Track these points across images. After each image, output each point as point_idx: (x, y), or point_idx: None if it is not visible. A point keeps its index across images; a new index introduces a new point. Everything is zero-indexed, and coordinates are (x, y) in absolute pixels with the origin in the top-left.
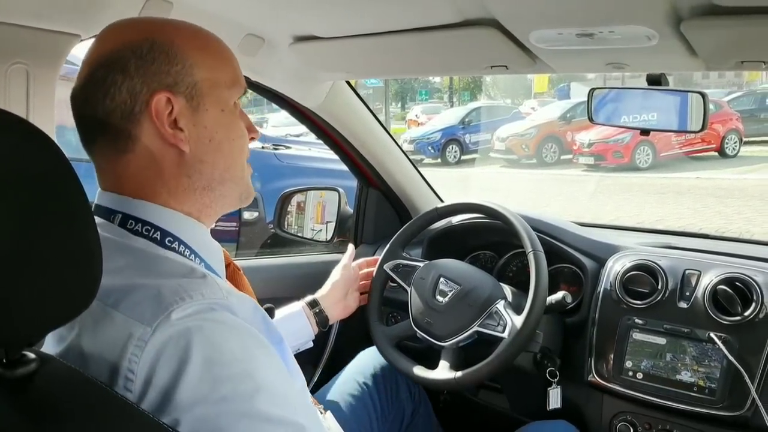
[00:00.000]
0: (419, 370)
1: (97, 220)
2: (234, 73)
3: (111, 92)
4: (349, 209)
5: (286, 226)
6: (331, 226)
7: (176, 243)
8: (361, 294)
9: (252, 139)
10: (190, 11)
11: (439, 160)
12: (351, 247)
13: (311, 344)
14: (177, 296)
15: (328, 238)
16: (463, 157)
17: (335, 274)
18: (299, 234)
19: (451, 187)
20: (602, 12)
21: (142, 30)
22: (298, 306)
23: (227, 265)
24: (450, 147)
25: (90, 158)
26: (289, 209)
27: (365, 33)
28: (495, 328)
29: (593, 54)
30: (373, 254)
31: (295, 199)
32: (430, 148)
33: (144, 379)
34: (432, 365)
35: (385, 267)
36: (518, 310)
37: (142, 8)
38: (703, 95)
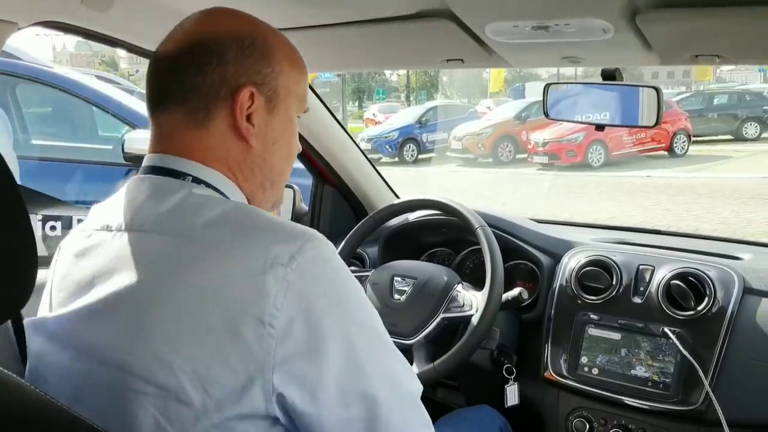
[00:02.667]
0: None
1: (162, 177)
2: (306, 91)
3: (204, 71)
4: (304, 207)
5: None
6: None
7: None
8: None
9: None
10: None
11: (396, 159)
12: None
13: None
14: (302, 238)
15: None
16: (420, 156)
17: None
18: None
19: (408, 185)
20: (558, 4)
21: (249, 25)
22: None
23: None
24: (407, 146)
25: (155, 121)
26: None
27: (320, 24)
28: (461, 310)
29: (549, 48)
30: None
31: None
32: (387, 146)
33: (290, 315)
34: None
35: None
36: (479, 290)
37: None
38: (657, 90)
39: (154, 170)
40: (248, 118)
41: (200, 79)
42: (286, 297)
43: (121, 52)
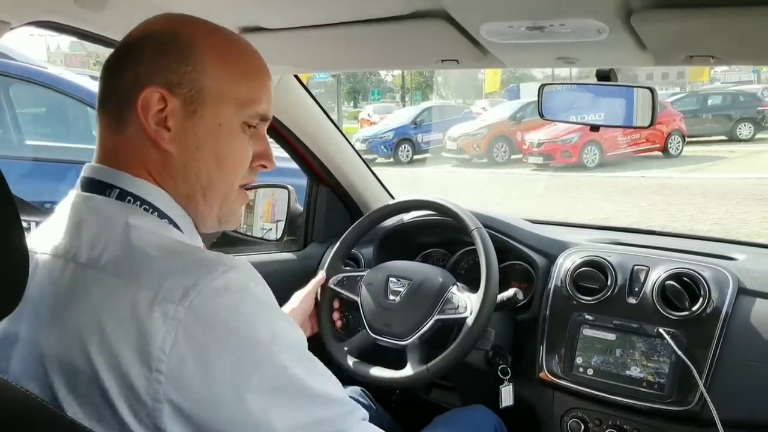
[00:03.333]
0: (389, 373)
1: (90, 195)
2: (252, 95)
3: (121, 71)
4: (299, 207)
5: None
6: (281, 225)
7: (172, 225)
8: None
9: (263, 167)
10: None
11: (391, 160)
12: (321, 274)
13: None
14: (203, 270)
15: (278, 236)
16: (415, 157)
17: (294, 301)
18: (249, 233)
19: (404, 185)
20: (553, 5)
21: (173, 23)
22: None
23: None
24: (402, 146)
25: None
26: None
27: (314, 24)
28: (455, 312)
29: (544, 48)
30: (324, 252)
31: None
32: (382, 147)
33: (178, 359)
34: (397, 368)
35: (330, 284)
36: (473, 292)
37: None
38: (652, 91)
39: (85, 183)
40: (164, 121)
41: (116, 81)
42: (176, 338)
43: None
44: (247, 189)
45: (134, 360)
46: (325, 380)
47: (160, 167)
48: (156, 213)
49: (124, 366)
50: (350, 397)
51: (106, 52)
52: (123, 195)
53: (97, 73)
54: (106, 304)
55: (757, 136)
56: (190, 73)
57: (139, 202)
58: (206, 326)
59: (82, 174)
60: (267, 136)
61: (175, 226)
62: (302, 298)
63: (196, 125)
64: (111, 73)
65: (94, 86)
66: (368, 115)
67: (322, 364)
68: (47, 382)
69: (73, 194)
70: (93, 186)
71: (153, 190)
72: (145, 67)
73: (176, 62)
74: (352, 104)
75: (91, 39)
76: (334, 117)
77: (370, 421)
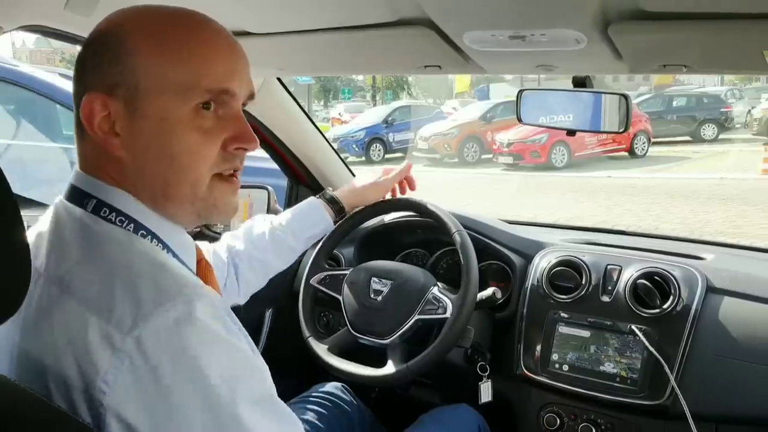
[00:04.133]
0: (370, 371)
1: (70, 206)
2: (191, 76)
3: (77, 79)
4: (279, 208)
5: (212, 225)
6: None
7: (149, 237)
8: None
9: (242, 149)
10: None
11: (363, 159)
12: (407, 164)
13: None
14: (157, 300)
15: None
16: (387, 156)
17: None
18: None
19: None
20: (534, 15)
21: (109, 22)
22: (311, 198)
23: (198, 261)
24: (374, 145)
25: None
26: None
27: (299, 30)
28: (436, 312)
29: (524, 56)
30: (304, 252)
31: None
32: (354, 146)
33: (121, 394)
34: (378, 366)
35: (312, 282)
36: (453, 293)
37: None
38: (626, 97)
39: (69, 190)
40: (113, 127)
41: (76, 90)
42: (120, 371)
43: None
44: (234, 176)
45: (79, 386)
46: (284, 426)
47: (119, 174)
48: (132, 224)
49: (70, 390)
50: (331, 392)
51: (73, 49)
52: (98, 207)
53: (67, 71)
54: (63, 324)
55: (721, 136)
56: (122, 73)
57: (114, 214)
58: (152, 362)
59: (70, 181)
60: (242, 116)
61: (153, 236)
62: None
63: (141, 125)
64: (75, 80)
65: (63, 83)
66: (339, 113)
67: (282, 407)
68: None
69: (59, 203)
70: (74, 195)
71: (123, 197)
72: (88, 73)
73: (109, 64)
74: (322, 103)
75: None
76: None
77: (351, 416)
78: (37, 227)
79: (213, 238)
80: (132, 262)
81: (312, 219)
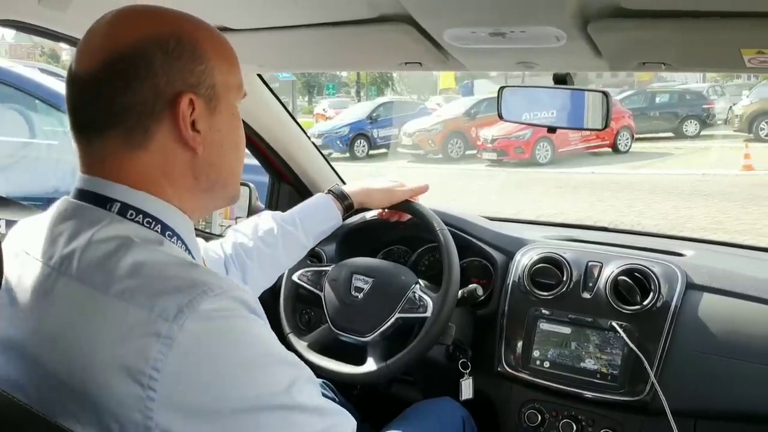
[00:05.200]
0: (350, 369)
1: (89, 206)
2: (241, 77)
3: (133, 86)
4: (261, 205)
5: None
6: (241, 222)
7: (174, 238)
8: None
9: None
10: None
11: (347, 155)
12: (425, 185)
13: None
14: (198, 290)
15: None
16: (371, 152)
17: (382, 181)
18: (207, 230)
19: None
20: (514, 12)
21: (168, 23)
22: (320, 194)
23: None
24: (358, 141)
25: (85, 145)
26: None
27: (279, 26)
28: (416, 311)
29: (505, 53)
30: None
31: None
32: (338, 142)
33: (172, 378)
34: (358, 363)
35: (293, 277)
36: (434, 291)
37: None
38: (606, 94)
39: (82, 194)
40: (193, 125)
41: (131, 97)
42: (169, 357)
43: (63, 44)
44: None
45: (125, 379)
46: (316, 391)
47: (183, 171)
48: (159, 226)
49: (114, 386)
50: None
51: (54, 44)
52: (124, 209)
53: (47, 65)
54: (95, 323)
55: (703, 133)
56: (203, 73)
57: (141, 216)
58: (200, 345)
59: (77, 185)
60: None
61: (178, 238)
62: (399, 188)
63: (219, 121)
64: (112, 89)
65: (43, 79)
66: (323, 109)
67: (311, 373)
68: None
69: (68, 203)
70: (91, 198)
71: (156, 202)
72: (162, 75)
73: (191, 64)
74: (306, 99)
75: (58, 39)
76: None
77: None
78: (45, 223)
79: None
80: (165, 259)
81: (323, 215)
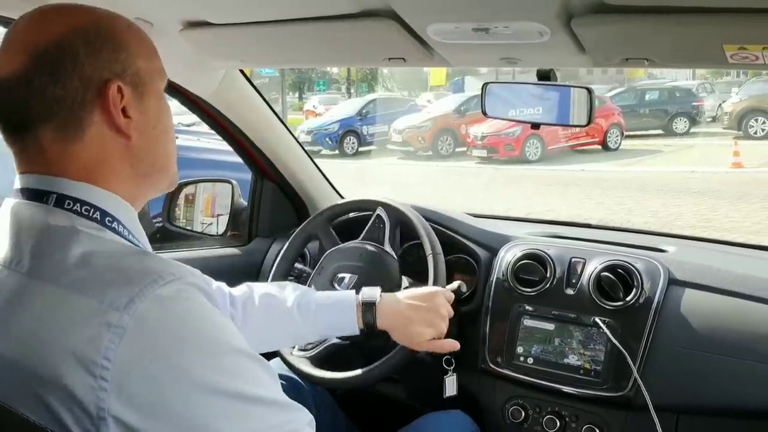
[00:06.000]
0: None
1: (29, 202)
2: (161, 63)
3: (62, 80)
4: (243, 202)
5: (174, 220)
6: (223, 219)
7: (115, 223)
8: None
9: None
10: None
11: (336, 152)
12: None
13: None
14: (149, 278)
15: (221, 231)
16: (360, 149)
17: (424, 290)
18: (189, 228)
19: (349, 178)
20: (498, 8)
21: (87, 15)
22: (350, 296)
23: None
24: (348, 138)
25: (20, 145)
26: (177, 202)
27: (260, 21)
28: None
29: (488, 49)
30: (269, 247)
31: (185, 191)
32: (327, 139)
33: (124, 366)
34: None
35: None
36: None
37: None
38: (590, 90)
39: (21, 193)
40: (125, 112)
41: (60, 90)
42: (120, 345)
43: None
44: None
45: (77, 369)
46: (275, 385)
47: (121, 157)
48: (97, 213)
49: (66, 376)
50: (291, 378)
51: None
52: (61, 200)
53: None
54: (49, 314)
55: (692, 130)
56: (126, 59)
57: (78, 204)
58: (151, 333)
59: (16, 186)
60: None
61: (120, 224)
62: (433, 291)
63: (148, 106)
64: (41, 84)
65: None
66: (313, 106)
67: (271, 367)
68: None
69: (10, 202)
70: (29, 195)
71: (93, 190)
72: (88, 66)
73: (113, 52)
74: (297, 95)
75: None
76: (278, 109)
77: (322, 412)
78: None
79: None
80: (113, 248)
81: (338, 323)
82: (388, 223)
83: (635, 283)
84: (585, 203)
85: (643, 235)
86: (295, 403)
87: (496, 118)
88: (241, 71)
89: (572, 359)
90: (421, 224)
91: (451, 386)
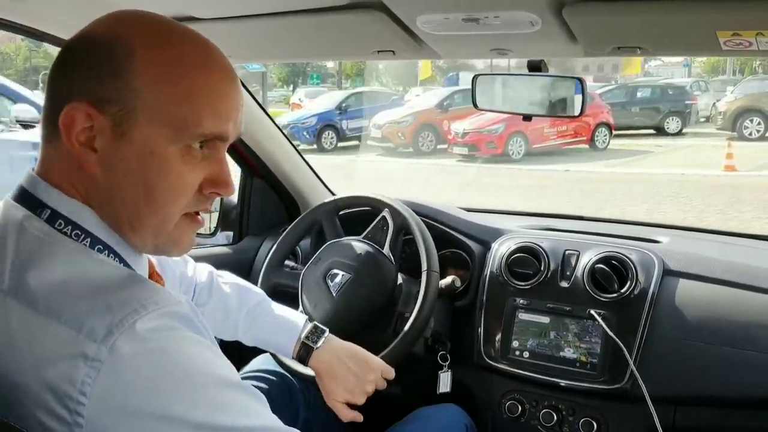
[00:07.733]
0: None
1: (23, 211)
2: (194, 117)
3: (60, 79)
4: (233, 200)
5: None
6: (213, 217)
7: (106, 251)
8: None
9: (216, 194)
10: None
11: (315, 146)
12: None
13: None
14: (130, 308)
15: (211, 229)
16: (340, 144)
17: (368, 358)
18: None
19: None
20: None
21: (114, 26)
22: (299, 326)
23: (150, 275)
24: (326, 133)
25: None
26: None
27: (247, 14)
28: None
29: (478, 39)
30: (259, 245)
31: None
32: (305, 133)
33: (101, 403)
34: None
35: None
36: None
37: None
38: (581, 81)
39: (21, 193)
40: (92, 141)
41: (56, 89)
42: (97, 380)
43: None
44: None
45: (53, 401)
46: (264, 411)
47: (86, 188)
48: (88, 239)
49: (42, 405)
50: (270, 369)
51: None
52: (54, 218)
53: None
54: (26, 339)
55: (685, 130)
56: (120, 91)
57: (70, 227)
58: (129, 368)
59: (21, 182)
60: (225, 159)
61: (110, 251)
62: (373, 372)
63: (125, 150)
64: (53, 78)
65: None
66: (299, 99)
67: (258, 393)
68: None
69: (7, 204)
70: (27, 199)
71: (85, 212)
72: (77, 77)
73: (108, 76)
74: (291, 88)
75: (16, 30)
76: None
77: (314, 409)
78: None
79: None
80: (94, 273)
81: (276, 344)
82: (391, 228)
83: (630, 275)
84: (563, 207)
85: (636, 226)
86: (286, 427)
87: (487, 110)
88: None
89: (568, 352)
90: (422, 237)
91: (445, 382)
